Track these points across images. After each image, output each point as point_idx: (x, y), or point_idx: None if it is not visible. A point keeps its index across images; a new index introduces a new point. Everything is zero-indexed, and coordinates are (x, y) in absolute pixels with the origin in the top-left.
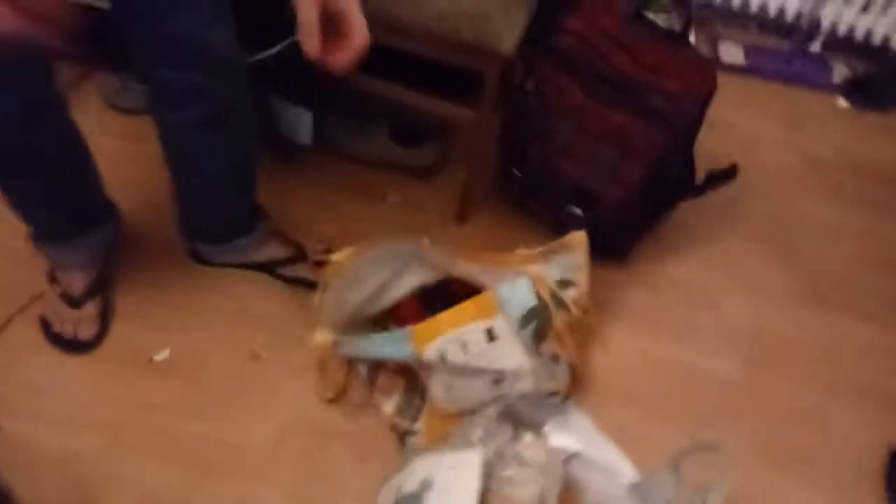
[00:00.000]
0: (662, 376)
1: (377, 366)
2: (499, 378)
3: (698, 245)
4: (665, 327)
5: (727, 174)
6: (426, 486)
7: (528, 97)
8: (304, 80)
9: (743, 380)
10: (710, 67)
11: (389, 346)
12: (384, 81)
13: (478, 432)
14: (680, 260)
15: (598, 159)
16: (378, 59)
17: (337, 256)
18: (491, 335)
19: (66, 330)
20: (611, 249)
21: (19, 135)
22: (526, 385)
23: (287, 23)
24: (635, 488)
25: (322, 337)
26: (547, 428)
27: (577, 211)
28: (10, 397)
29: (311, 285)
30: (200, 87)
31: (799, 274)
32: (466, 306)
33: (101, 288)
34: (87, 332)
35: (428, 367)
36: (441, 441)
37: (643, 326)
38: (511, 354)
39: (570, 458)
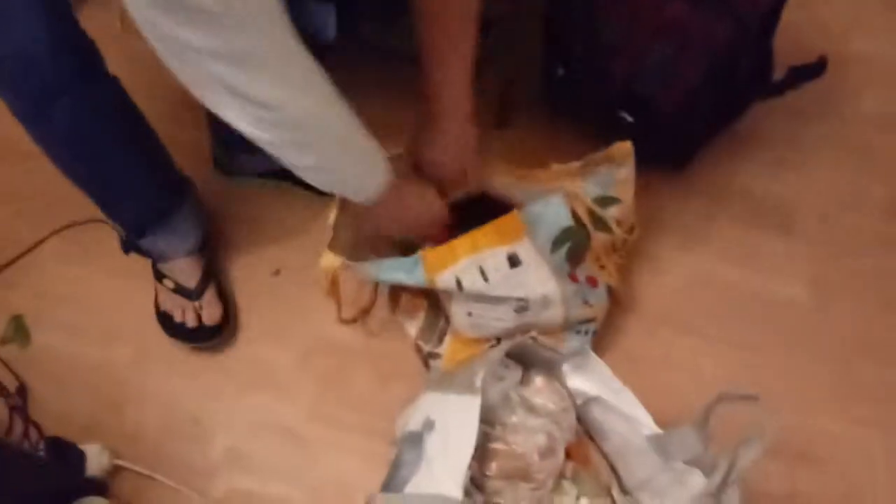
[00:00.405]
0: (716, 301)
1: (398, 287)
2: (523, 306)
3: (774, 152)
4: (724, 246)
5: (813, 70)
6: (428, 426)
7: None
8: None
9: (809, 308)
10: None
11: (401, 271)
12: None
13: (480, 374)
14: (750, 170)
15: (651, 58)
16: None
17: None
18: (514, 261)
19: (190, 319)
20: (667, 158)
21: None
22: (555, 313)
23: None
24: (655, 441)
25: (328, 261)
26: (565, 368)
27: (628, 116)
28: (42, 309)
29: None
30: None
31: None
32: (486, 230)
33: (211, 270)
34: (211, 315)
35: (445, 293)
36: (448, 378)
37: (698, 245)
38: (538, 281)
39: (590, 400)
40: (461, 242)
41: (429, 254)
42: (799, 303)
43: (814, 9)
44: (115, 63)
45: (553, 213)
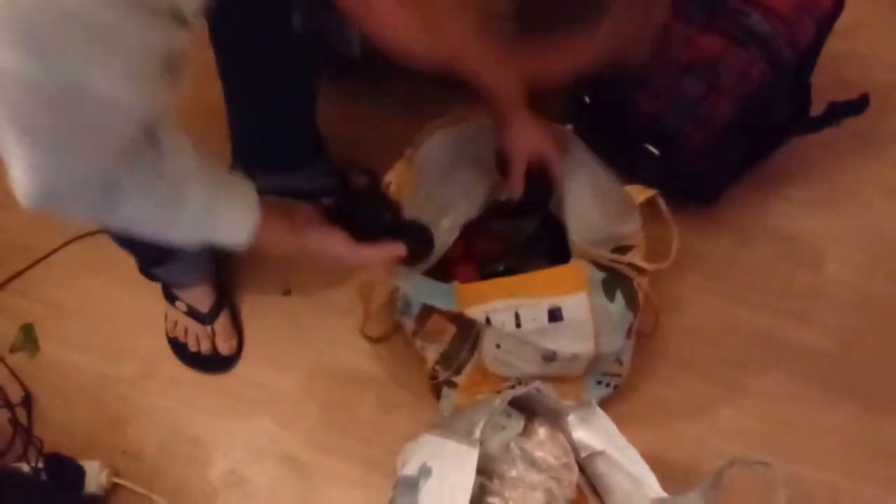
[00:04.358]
0: (739, 345)
1: (429, 307)
2: (551, 357)
3: (807, 190)
4: (751, 288)
5: (855, 107)
6: (425, 473)
7: None
8: None
9: (836, 357)
10: None
11: (435, 295)
12: None
13: (480, 425)
14: (783, 206)
15: (679, 94)
16: None
17: (391, 177)
18: (554, 316)
19: (204, 347)
20: (694, 194)
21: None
22: (582, 366)
23: None
24: None
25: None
26: (570, 419)
27: (653, 149)
28: (52, 319)
29: None
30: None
31: None
32: (533, 278)
33: (224, 294)
34: (226, 344)
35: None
36: (450, 422)
37: (725, 286)
38: (574, 340)
39: (595, 454)
40: (495, 287)
41: (462, 287)
42: (826, 352)
43: (857, 42)
44: None
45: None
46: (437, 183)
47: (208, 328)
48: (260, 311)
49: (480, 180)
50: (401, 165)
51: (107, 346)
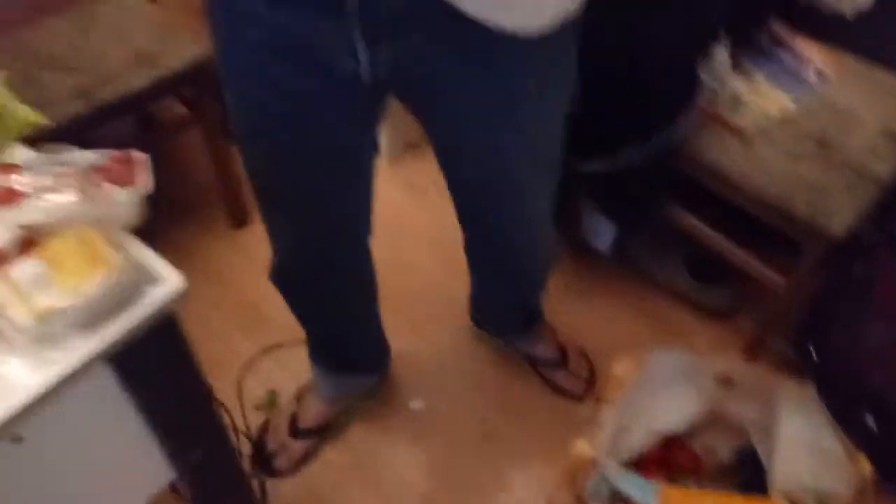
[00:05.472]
0: None
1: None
2: None
3: None
4: None
5: None
6: None
7: (851, 281)
8: (617, 192)
9: None
10: None
11: (638, 489)
12: (697, 219)
13: None
14: None
15: None
16: (694, 192)
17: (618, 370)
18: None
19: (271, 448)
20: None
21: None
22: None
23: (625, 134)
24: None
25: (584, 448)
26: None
27: (872, 423)
28: (289, 393)
29: (559, 391)
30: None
31: None
32: (738, 500)
33: (325, 430)
34: (283, 462)
35: None
36: None
37: None
38: None
39: None
40: (701, 498)
41: (667, 490)
42: None
43: None
44: None
45: None
46: (647, 394)
47: (295, 445)
48: (462, 445)
49: (694, 404)
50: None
51: None
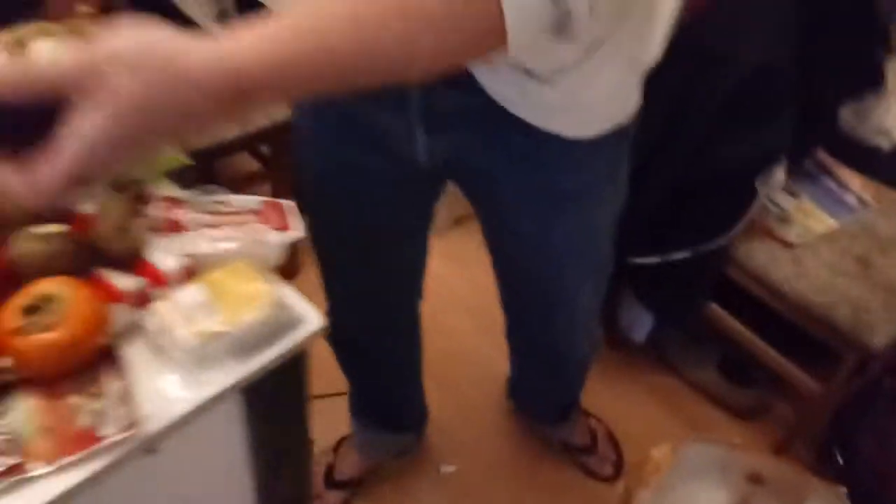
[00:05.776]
0: None
1: None
2: None
3: None
4: None
5: None
6: None
7: (881, 393)
8: (661, 285)
9: None
10: None
11: None
12: (737, 321)
13: None
14: None
15: None
16: (733, 294)
17: (656, 455)
18: None
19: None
20: None
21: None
22: None
23: (681, 237)
24: None
25: None
26: None
27: None
28: None
29: (590, 474)
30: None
31: None
32: None
33: (358, 484)
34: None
35: None
36: None
37: None
38: None
39: None
40: None
41: None
42: None
43: None
44: None
45: None
46: (680, 482)
47: (323, 490)
48: None
49: (724, 497)
50: (665, 451)
51: None
